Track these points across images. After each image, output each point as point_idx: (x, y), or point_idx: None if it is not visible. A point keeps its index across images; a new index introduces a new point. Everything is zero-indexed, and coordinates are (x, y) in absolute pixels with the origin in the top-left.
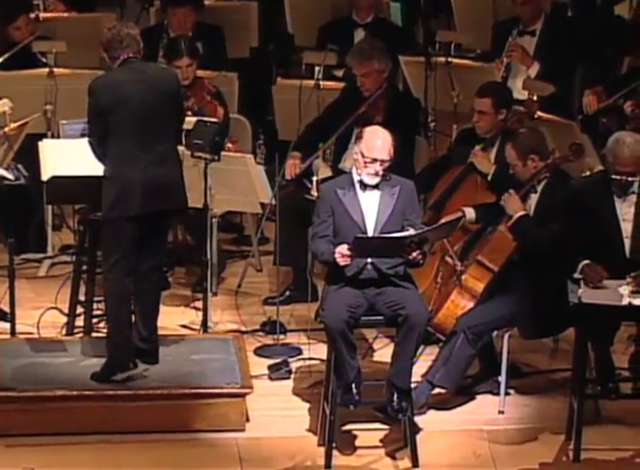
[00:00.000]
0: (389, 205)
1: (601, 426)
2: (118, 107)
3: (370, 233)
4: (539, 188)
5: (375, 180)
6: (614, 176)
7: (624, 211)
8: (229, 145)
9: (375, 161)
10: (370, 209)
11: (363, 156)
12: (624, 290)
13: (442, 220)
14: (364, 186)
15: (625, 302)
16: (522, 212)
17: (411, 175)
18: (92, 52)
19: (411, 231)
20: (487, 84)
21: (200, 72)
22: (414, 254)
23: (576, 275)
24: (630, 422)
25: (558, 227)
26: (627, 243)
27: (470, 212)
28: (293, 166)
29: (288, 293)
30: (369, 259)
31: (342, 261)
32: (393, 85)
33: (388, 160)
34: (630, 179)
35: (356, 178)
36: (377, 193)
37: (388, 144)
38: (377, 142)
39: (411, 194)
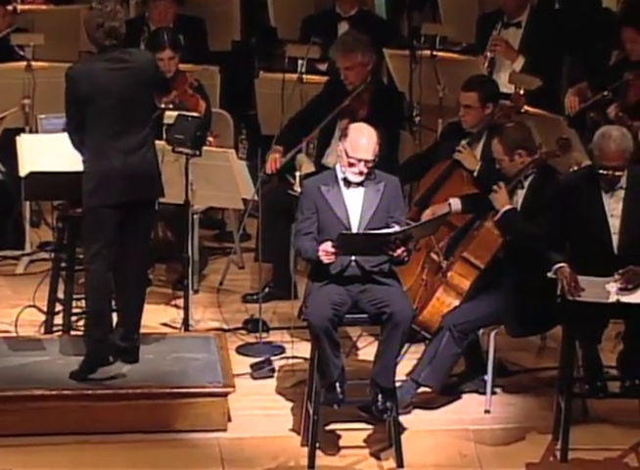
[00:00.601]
0: (374, 201)
1: (589, 425)
2: (97, 96)
3: (354, 229)
4: (526, 183)
5: (359, 179)
6: (601, 171)
7: (612, 206)
8: (210, 139)
9: (360, 161)
10: (354, 205)
11: (348, 155)
12: (612, 287)
13: (427, 212)
14: (348, 183)
15: (613, 299)
16: (508, 207)
17: (396, 171)
18: (71, 45)
19: (396, 228)
20: (473, 78)
21: (181, 66)
22: (399, 251)
23: (550, 274)
24: (618, 421)
25: (545, 221)
26: (615, 239)
27: (456, 203)
28: (273, 161)
29: (267, 290)
30: (353, 257)
31: (325, 259)
32: (378, 79)
33: (373, 159)
34: (617, 174)
35: (340, 175)
36: (361, 190)
37: (373, 143)
38: (361, 141)
39: (396, 190)
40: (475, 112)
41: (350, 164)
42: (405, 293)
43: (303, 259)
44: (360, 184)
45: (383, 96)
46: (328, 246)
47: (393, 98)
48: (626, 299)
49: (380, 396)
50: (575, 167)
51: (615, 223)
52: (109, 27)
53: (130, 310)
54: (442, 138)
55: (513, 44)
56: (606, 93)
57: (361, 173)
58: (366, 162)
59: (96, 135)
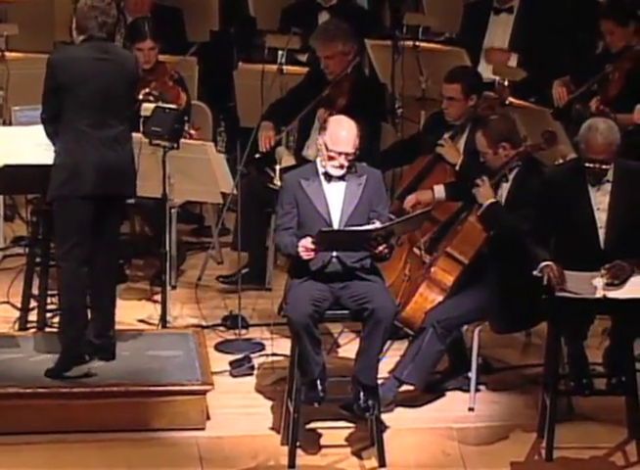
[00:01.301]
0: (356, 196)
1: (574, 423)
2: (76, 85)
3: (335, 225)
4: (511, 177)
5: (340, 172)
6: (587, 164)
7: (599, 200)
8: (192, 132)
9: (340, 154)
10: (335, 200)
11: (327, 148)
12: (599, 282)
13: (410, 197)
14: (329, 176)
15: (600, 294)
16: (492, 200)
17: (378, 163)
18: (46, 35)
19: (378, 224)
20: (456, 69)
21: (159, 57)
22: (380, 247)
23: (536, 273)
24: (604, 419)
25: (529, 212)
26: (602, 233)
27: (440, 191)
28: (267, 139)
29: (243, 272)
30: (334, 253)
31: (305, 256)
32: (359, 69)
33: (354, 152)
34: (604, 167)
35: (321, 169)
36: (342, 184)
37: (353, 135)
38: (341, 134)
39: (378, 184)
40: (458, 104)
41: (330, 158)
42: (388, 289)
43: (283, 255)
44: (342, 178)
45: (363, 87)
46: (308, 242)
47: (375, 89)
48: (613, 294)
49: (361, 393)
50: (561, 161)
51: (601, 217)
52: (102, 22)
53: (103, 307)
54: (426, 129)
55: (504, 32)
56: (591, 83)
57: (342, 167)
58: (346, 155)
59: (72, 125)
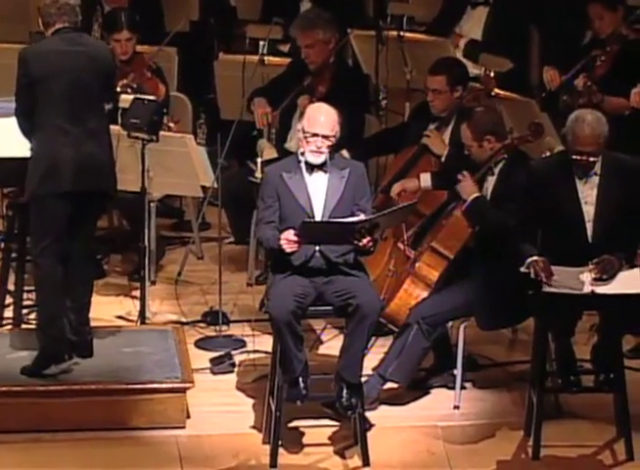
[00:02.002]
0: (338, 188)
1: (562, 421)
2: (50, 78)
3: (318, 218)
4: (496, 170)
5: (319, 159)
6: (574, 157)
7: (586, 193)
8: (171, 124)
9: (316, 135)
10: (318, 192)
11: (304, 131)
12: (586, 277)
13: (396, 186)
14: (311, 168)
15: (587, 290)
16: (476, 195)
17: (362, 153)
18: (20, 26)
19: (362, 216)
20: (441, 60)
21: (137, 47)
22: (364, 240)
23: (523, 269)
24: (592, 417)
25: (515, 206)
26: (589, 227)
27: (426, 179)
28: (264, 115)
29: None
30: (317, 247)
31: (288, 248)
32: (341, 59)
33: (332, 135)
34: (592, 160)
35: (302, 159)
36: (325, 176)
37: (332, 120)
38: (318, 116)
39: (361, 177)
40: (443, 96)
41: (308, 142)
42: (372, 284)
43: (265, 249)
44: (324, 170)
45: (345, 76)
46: (290, 234)
47: (357, 79)
48: (601, 289)
49: (344, 391)
50: (548, 153)
51: (589, 211)
52: (63, 3)
53: (79, 303)
54: (412, 119)
55: (479, 22)
56: (583, 64)
57: (320, 151)
58: (324, 137)
59: (47, 120)
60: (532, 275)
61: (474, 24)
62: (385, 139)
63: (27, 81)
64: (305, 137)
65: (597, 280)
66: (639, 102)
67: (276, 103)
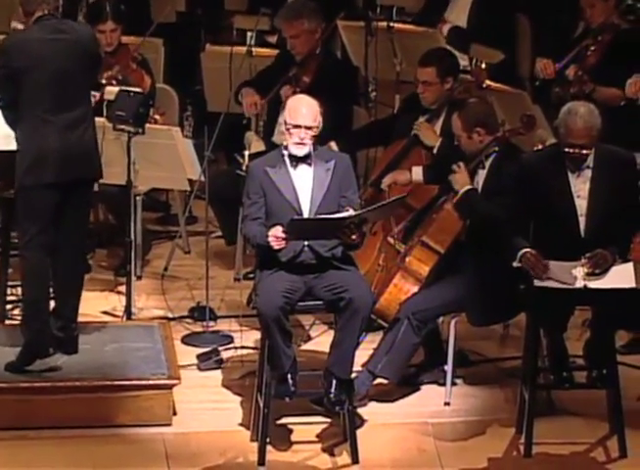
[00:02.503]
0: (324, 182)
1: (554, 418)
2: (32, 69)
3: (305, 212)
4: (488, 163)
5: (302, 150)
6: (567, 150)
7: (579, 187)
8: (156, 117)
9: (298, 127)
10: (303, 186)
11: (286, 123)
12: (579, 272)
13: (386, 178)
14: (295, 161)
15: (580, 284)
16: (468, 187)
17: (350, 146)
18: (2, 15)
19: (351, 212)
20: (431, 52)
21: (123, 38)
22: (354, 236)
23: (515, 264)
24: (585, 414)
25: (507, 200)
26: (582, 221)
27: (417, 173)
28: (252, 103)
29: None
30: (306, 242)
31: (276, 245)
32: (329, 50)
33: (315, 126)
34: (584, 153)
35: (285, 152)
36: (310, 169)
37: (314, 111)
38: (300, 107)
39: (347, 168)
40: (433, 88)
41: (290, 134)
42: (364, 278)
43: (253, 247)
44: (308, 163)
45: (331, 68)
46: (278, 231)
47: (343, 71)
48: (594, 284)
49: (333, 386)
50: (540, 146)
51: (581, 205)
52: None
53: (67, 299)
54: (402, 111)
55: (463, 9)
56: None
57: (303, 143)
58: (306, 128)
59: (31, 111)
60: (526, 268)
61: (459, 12)
62: (374, 131)
63: (8, 73)
64: (288, 129)
65: (590, 274)
66: (635, 92)
67: (264, 93)
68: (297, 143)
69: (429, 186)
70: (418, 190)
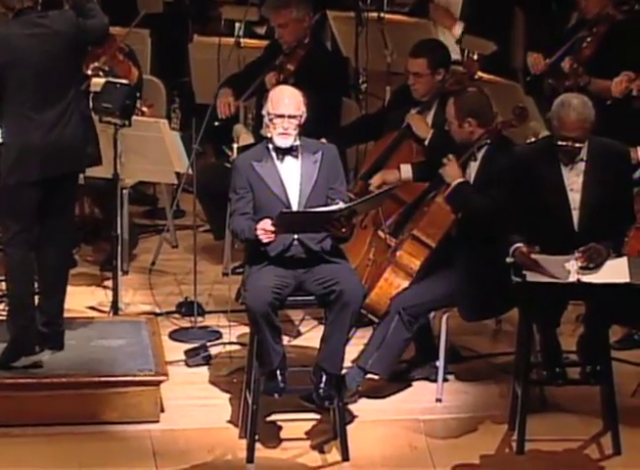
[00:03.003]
0: (312, 174)
1: (547, 414)
2: (13, 65)
3: (294, 205)
4: (479, 155)
5: (287, 141)
6: (560, 142)
7: (572, 180)
8: (144, 109)
9: (282, 117)
10: (291, 179)
11: (269, 114)
12: (572, 266)
13: (375, 178)
14: (282, 154)
15: (573, 279)
16: (460, 180)
17: (339, 138)
18: None
19: (341, 205)
20: (422, 43)
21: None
22: (343, 229)
23: (508, 259)
24: (578, 410)
25: (499, 192)
26: (575, 215)
27: (407, 171)
28: (226, 105)
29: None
30: (296, 236)
31: (265, 238)
32: (318, 40)
33: (299, 115)
34: (577, 145)
35: (270, 146)
36: (297, 162)
37: (297, 100)
38: (282, 97)
39: (334, 159)
40: (425, 79)
41: (275, 125)
42: (355, 271)
43: (241, 241)
44: (295, 156)
45: (318, 59)
46: (267, 224)
47: (330, 63)
48: (587, 278)
49: (322, 382)
50: (533, 139)
51: (575, 198)
52: None
53: (53, 294)
54: (392, 105)
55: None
56: (568, 47)
57: (287, 133)
58: (290, 117)
59: (14, 108)
60: (518, 263)
61: (453, 2)
62: (364, 126)
63: None
64: (271, 120)
65: (583, 269)
66: (621, 92)
67: (240, 94)
68: (282, 133)
69: None
70: (409, 183)
